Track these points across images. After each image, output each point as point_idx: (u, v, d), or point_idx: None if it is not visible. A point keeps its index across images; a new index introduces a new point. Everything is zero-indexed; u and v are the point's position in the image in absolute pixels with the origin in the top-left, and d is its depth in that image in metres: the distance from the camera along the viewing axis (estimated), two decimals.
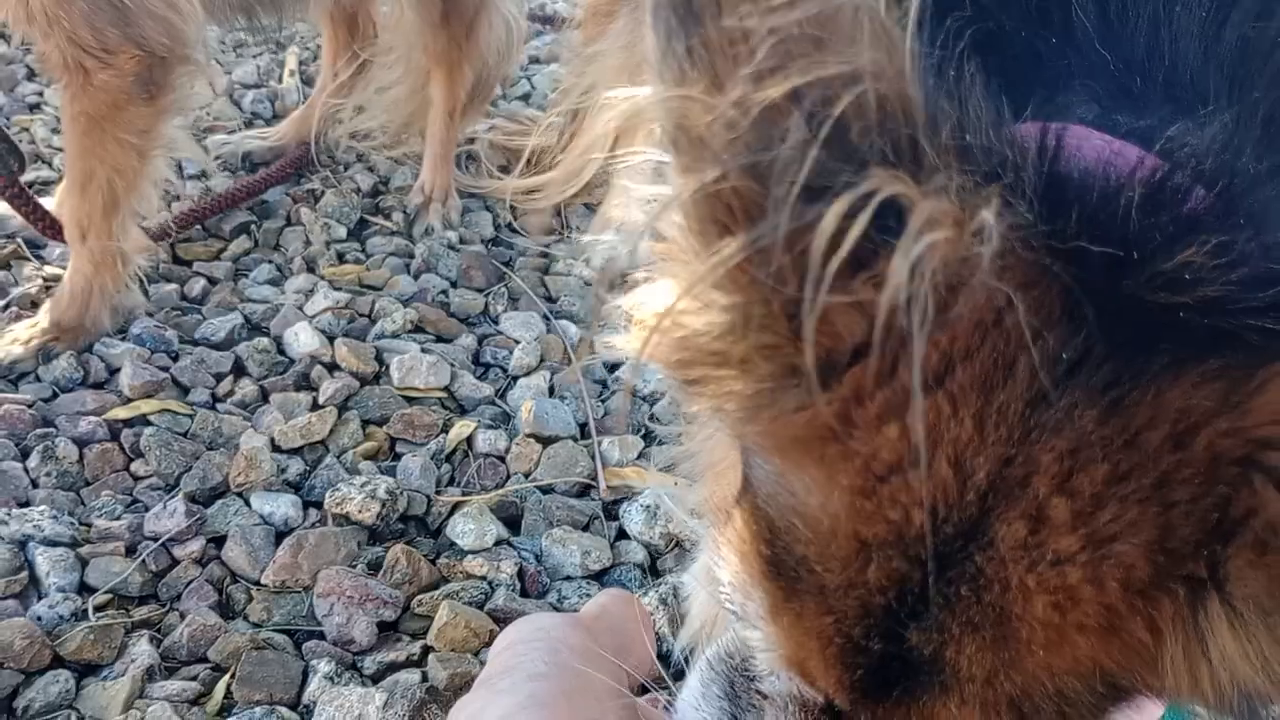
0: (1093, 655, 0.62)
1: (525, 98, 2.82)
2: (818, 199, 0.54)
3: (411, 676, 1.35)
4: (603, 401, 1.87)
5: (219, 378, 1.80)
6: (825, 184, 0.54)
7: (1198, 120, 0.75)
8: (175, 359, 1.82)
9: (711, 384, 0.67)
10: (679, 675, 1.39)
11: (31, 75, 2.64)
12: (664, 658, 1.42)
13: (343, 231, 2.21)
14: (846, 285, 0.56)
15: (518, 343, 1.95)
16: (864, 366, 0.61)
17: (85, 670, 1.35)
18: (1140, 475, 0.58)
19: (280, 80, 2.70)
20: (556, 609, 1.49)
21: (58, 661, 1.34)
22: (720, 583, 0.75)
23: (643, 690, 1.39)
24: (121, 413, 1.69)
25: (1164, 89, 0.81)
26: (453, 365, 1.86)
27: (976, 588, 0.61)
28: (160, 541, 1.49)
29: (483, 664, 1.35)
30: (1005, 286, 0.58)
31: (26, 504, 1.53)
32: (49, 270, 1.96)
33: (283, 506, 1.56)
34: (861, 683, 0.67)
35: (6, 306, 1.85)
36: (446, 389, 1.83)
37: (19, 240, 2.00)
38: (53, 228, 1.84)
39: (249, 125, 2.52)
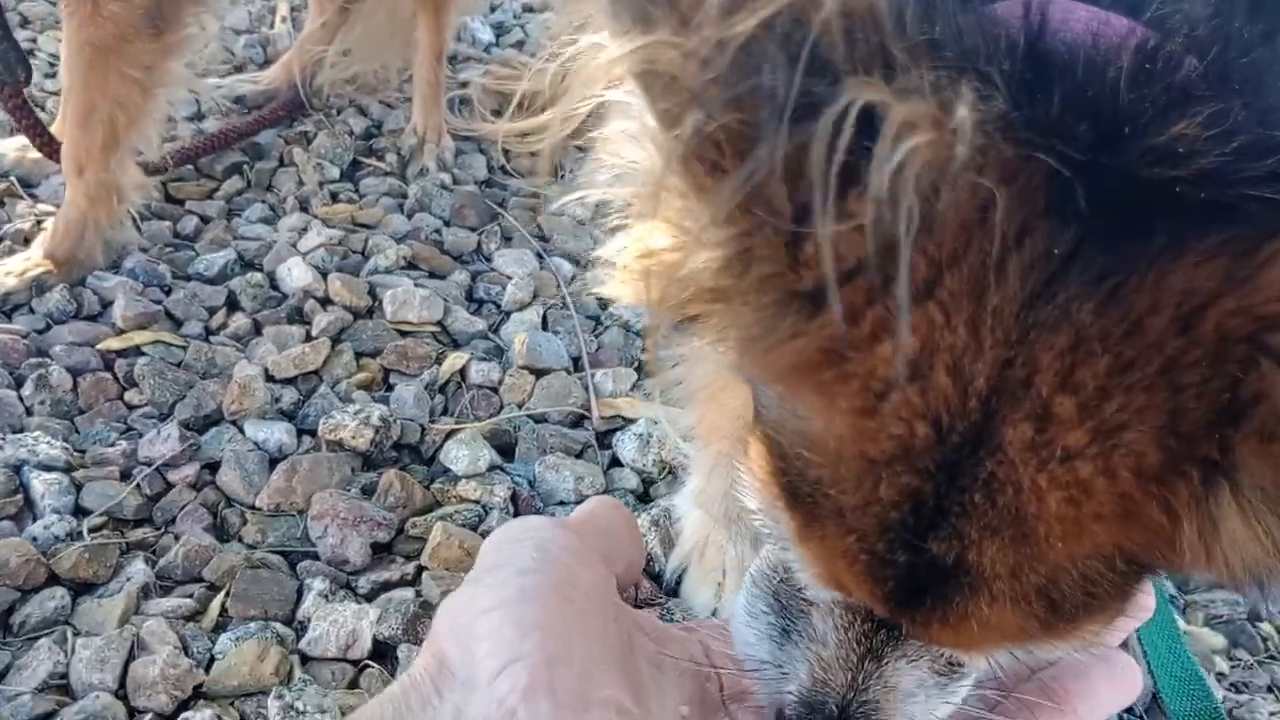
0: (1112, 541, 0.63)
1: (519, 44, 2.81)
2: (804, 122, 0.54)
3: (405, 594, 1.36)
4: (596, 335, 1.87)
5: (212, 311, 1.80)
6: (808, 106, 0.54)
7: None
8: (168, 293, 1.82)
9: (712, 319, 0.67)
10: (671, 593, 1.41)
11: (25, 23, 2.62)
12: (656, 577, 1.43)
13: (336, 172, 2.21)
14: (839, 203, 0.55)
15: (510, 279, 1.95)
16: (855, 285, 0.60)
17: (81, 588, 1.35)
18: (1145, 363, 0.58)
19: (272, 26, 2.69)
20: None
21: (53, 579, 1.35)
22: (749, 509, 0.77)
23: (638, 608, 1.40)
24: (115, 343, 1.69)
25: None
26: (446, 300, 1.87)
27: (990, 493, 0.62)
28: (154, 466, 1.49)
29: None
30: (986, 181, 0.57)
31: (21, 431, 1.53)
32: (41, 207, 1.96)
33: (276, 433, 1.57)
34: (894, 593, 0.68)
35: (0, 241, 1.85)
36: (439, 323, 1.84)
37: (12, 178, 1.99)
38: (50, 145, 1.83)
39: (240, 70, 2.52)
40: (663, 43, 0.58)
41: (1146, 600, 0.91)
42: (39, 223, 1.91)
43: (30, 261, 1.78)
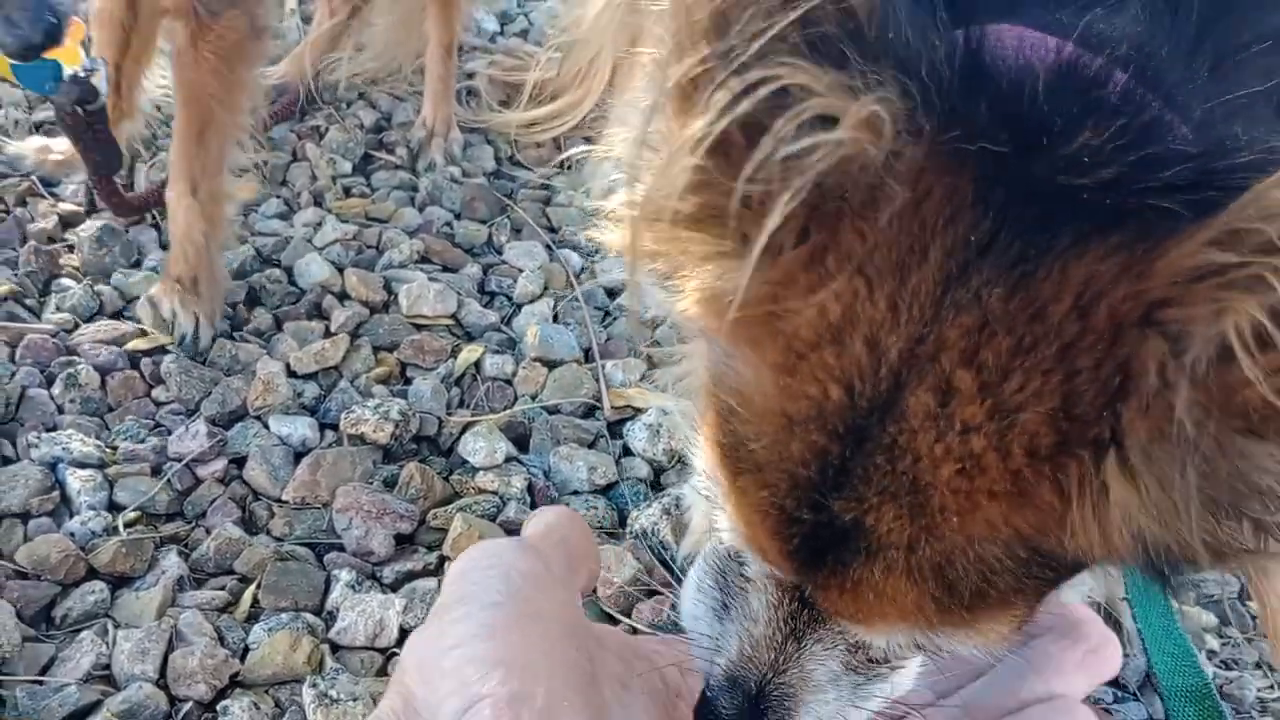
0: (1005, 520, 0.67)
1: (524, 33, 2.85)
2: (753, 92, 0.60)
3: (428, 584, 1.42)
4: (606, 326, 1.92)
5: (234, 307, 1.85)
6: (763, 78, 0.59)
7: (1114, 8, 0.78)
8: None
9: (675, 248, 0.71)
10: (684, 581, 1.47)
11: None
12: (667, 564, 1.49)
13: (348, 167, 2.26)
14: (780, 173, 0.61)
15: (521, 271, 2.01)
16: (797, 250, 0.66)
17: (119, 582, 1.41)
18: (1045, 346, 0.63)
19: (280, 19, 2.72)
20: None
21: (92, 574, 1.41)
22: (698, 471, 0.82)
23: (651, 594, 1.46)
24: (142, 344, 1.74)
25: None
26: (459, 294, 1.92)
27: (891, 458, 0.66)
28: (184, 462, 1.55)
29: None
30: (910, 185, 0.63)
31: (54, 429, 1.58)
32: (63, 207, 2.00)
33: (300, 428, 1.63)
34: (798, 553, 0.73)
35: (24, 241, 1.90)
36: (454, 316, 1.89)
37: (33, 178, 2.04)
38: (126, 210, 1.93)
39: None
40: None
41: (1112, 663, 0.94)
42: (62, 222, 1.96)
43: (175, 295, 1.77)
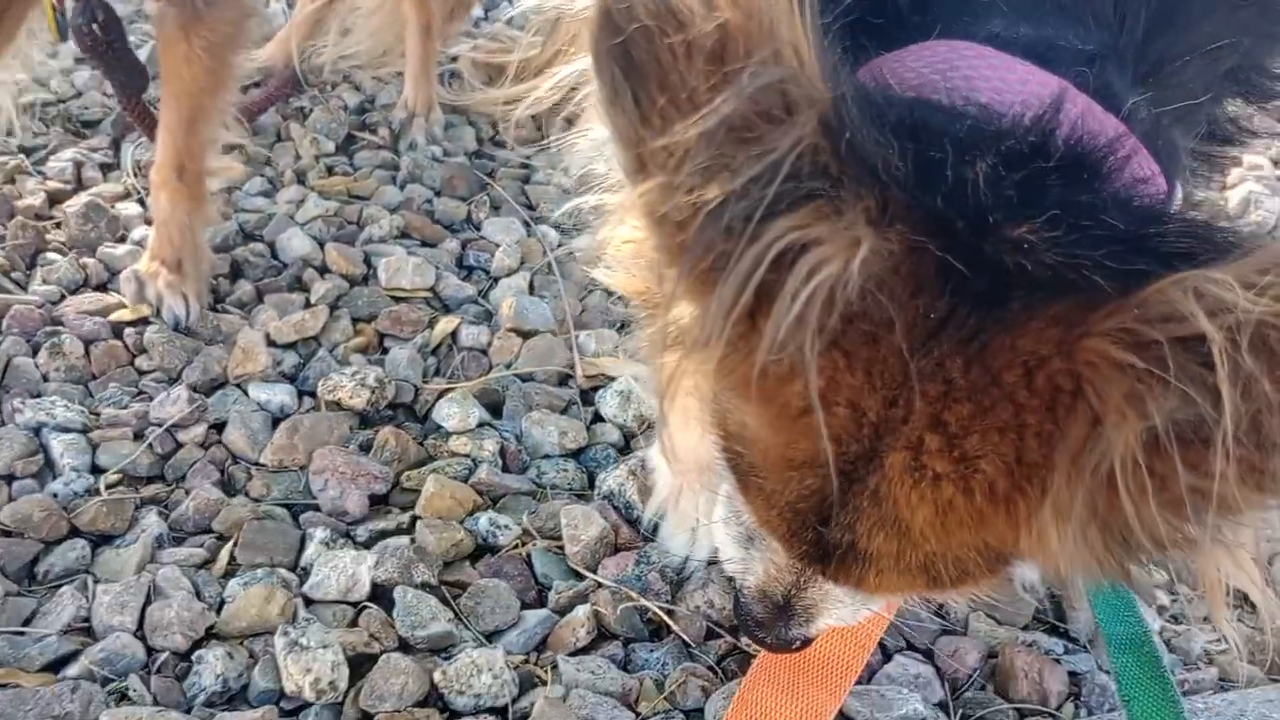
0: (973, 537, 0.81)
1: (509, 21, 2.89)
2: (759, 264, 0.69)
3: (400, 541, 1.46)
4: (580, 299, 1.97)
5: (217, 279, 1.90)
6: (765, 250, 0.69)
7: (1069, 19, 0.93)
8: None
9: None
10: (647, 538, 1.51)
11: None
12: (634, 523, 1.53)
13: (331, 146, 2.30)
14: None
15: (499, 246, 2.05)
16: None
17: (100, 540, 1.46)
18: (1000, 409, 0.74)
19: (267, 4, 2.77)
20: (537, 485, 1.60)
21: (74, 532, 1.46)
22: (714, 455, 0.95)
23: (616, 550, 1.49)
24: (126, 314, 1.78)
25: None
26: (437, 267, 1.96)
27: (876, 499, 0.80)
28: (165, 427, 1.60)
29: (468, 531, 1.47)
30: (884, 265, 0.72)
31: (39, 395, 1.63)
32: (50, 185, 2.05)
33: (279, 395, 1.67)
34: (807, 554, 0.89)
35: (12, 216, 1.94)
36: (432, 289, 1.94)
37: (21, 156, 2.08)
38: (154, 130, 1.90)
39: None
40: (660, 187, 0.72)
41: None
42: (51, 200, 2.00)
43: (160, 280, 1.80)
